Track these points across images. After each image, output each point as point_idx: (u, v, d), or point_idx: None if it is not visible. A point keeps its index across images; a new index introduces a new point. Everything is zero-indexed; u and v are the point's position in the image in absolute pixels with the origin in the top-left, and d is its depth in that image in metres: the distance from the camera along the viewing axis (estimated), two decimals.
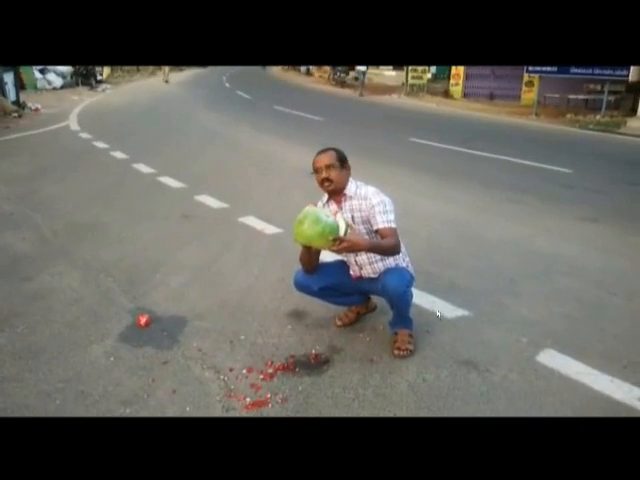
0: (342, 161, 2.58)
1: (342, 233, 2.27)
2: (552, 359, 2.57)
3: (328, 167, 2.54)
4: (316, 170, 2.58)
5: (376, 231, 2.52)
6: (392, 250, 2.49)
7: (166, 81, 21.97)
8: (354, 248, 2.36)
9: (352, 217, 2.59)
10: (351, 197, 2.60)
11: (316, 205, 2.68)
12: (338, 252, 2.42)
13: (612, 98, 12.68)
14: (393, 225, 2.51)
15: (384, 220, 2.50)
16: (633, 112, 12.17)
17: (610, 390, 2.32)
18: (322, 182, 2.57)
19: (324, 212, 2.33)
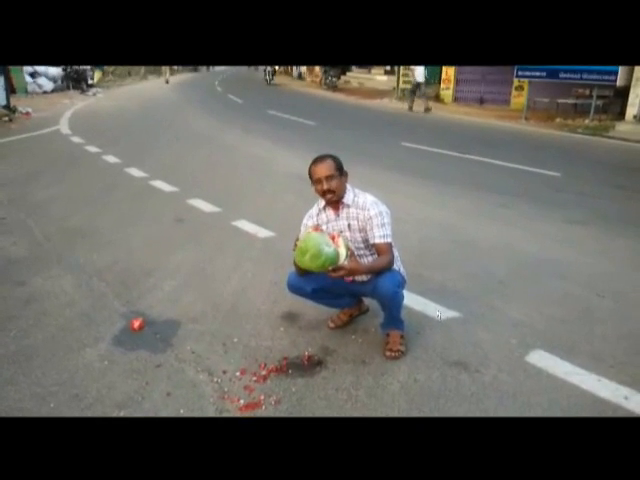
0: (340, 169, 2.59)
1: (342, 260, 2.33)
2: (541, 359, 2.61)
3: (329, 178, 2.53)
4: (316, 181, 2.57)
5: (372, 244, 2.59)
6: (387, 267, 2.56)
7: (167, 81, 24.47)
8: (351, 274, 2.47)
9: (349, 224, 2.62)
10: (349, 205, 2.62)
11: (312, 216, 2.71)
12: (335, 278, 2.44)
13: (600, 102, 12.80)
14: (389, 240, 2.57)
15: (381, 235, 2.55)
16: (621, 116, 12.30)
17: (597, 389, 2.37)
18: (324, 193, 2.56)
19: (325, 240, 2.31)
